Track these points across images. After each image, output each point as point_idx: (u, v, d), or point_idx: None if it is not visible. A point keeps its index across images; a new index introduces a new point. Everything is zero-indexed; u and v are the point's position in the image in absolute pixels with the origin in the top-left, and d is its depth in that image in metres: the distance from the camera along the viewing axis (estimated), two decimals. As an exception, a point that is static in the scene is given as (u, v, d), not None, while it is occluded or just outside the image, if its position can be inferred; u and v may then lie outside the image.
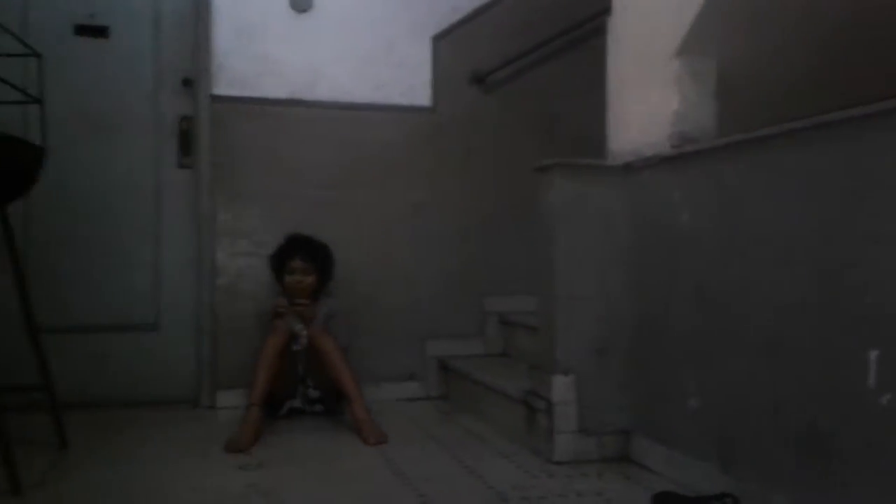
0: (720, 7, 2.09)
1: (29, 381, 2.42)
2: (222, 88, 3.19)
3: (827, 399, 1.62)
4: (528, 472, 2.21)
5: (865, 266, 1.53)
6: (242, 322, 3.11)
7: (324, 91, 3.29)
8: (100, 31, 3.16)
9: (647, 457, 2.24)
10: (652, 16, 2.28)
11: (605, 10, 2.53)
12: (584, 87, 2.95)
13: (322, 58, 3.28)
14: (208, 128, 3.16)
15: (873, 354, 1.51)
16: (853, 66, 2.26)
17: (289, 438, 2.61)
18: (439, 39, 3.40)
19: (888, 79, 2.19)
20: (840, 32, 2.22)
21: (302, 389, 2.92)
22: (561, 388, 2.30)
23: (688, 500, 1.86)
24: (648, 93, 2.30)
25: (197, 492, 2.02)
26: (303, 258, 2.95)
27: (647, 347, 2.28)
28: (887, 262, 1.47)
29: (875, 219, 1.51)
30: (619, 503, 1.94)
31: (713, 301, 1.99)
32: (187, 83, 3.22)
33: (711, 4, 2.08)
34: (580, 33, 3.11)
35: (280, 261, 2.99)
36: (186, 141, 3.22)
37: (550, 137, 3.40)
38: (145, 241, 3.17)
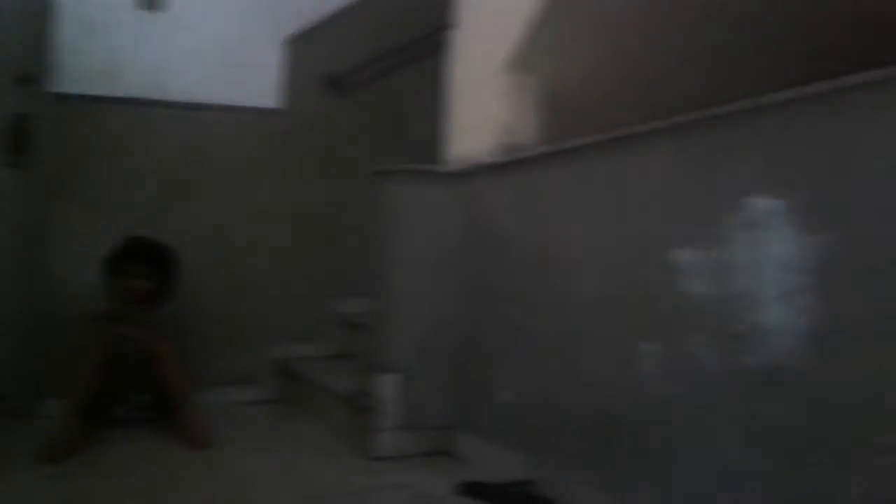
0: (547, 28, 2.22)
1: None
2: (65, 86, 3.06)
3: (612, 389, 1.74)
4: (350, 469, 2.24)
5: (648, 271, 1.66)
6: (70, 328, 2.96)
7: (172, 91, 3.21)
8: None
9: (467, 450, 2.32)
10: (487, 33, 2.40)
11: (450, 25, 2.63)
12: (435, 95, 3.03)
13: (170, 57, 3.22)
14: (45, 126, 3.02)
15: (648, 347, 1.64)
16: (667, 80, 2.44)
17: (111, 447, 2.50)
18: (292, 43, 3.42)
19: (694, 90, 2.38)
20: (656, 48, 2.39)
21: (129, 396, 2.82)
22: (387, 386, 2.35)
23: (488, 487, 1.94)
24: (480, 104, 2.41)
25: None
26: (139, 261, 2.84)
27: (470, 346, 2.37)
28: (663, 266, 1.61)
29: (653, 225, 1.65)
30: (428, 492, 2.01)
31: (528, 300, 2.10)
32: (26, 80, 3.06)
33: (539, 25, 2.21)
34: (431, 44, 3.21)
35: (115, 264, 2.87)
36: (19, 139, 3.06)
37: (401, 143, 3.47)
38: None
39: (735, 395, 1.42)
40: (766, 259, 1.38)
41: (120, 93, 3.14)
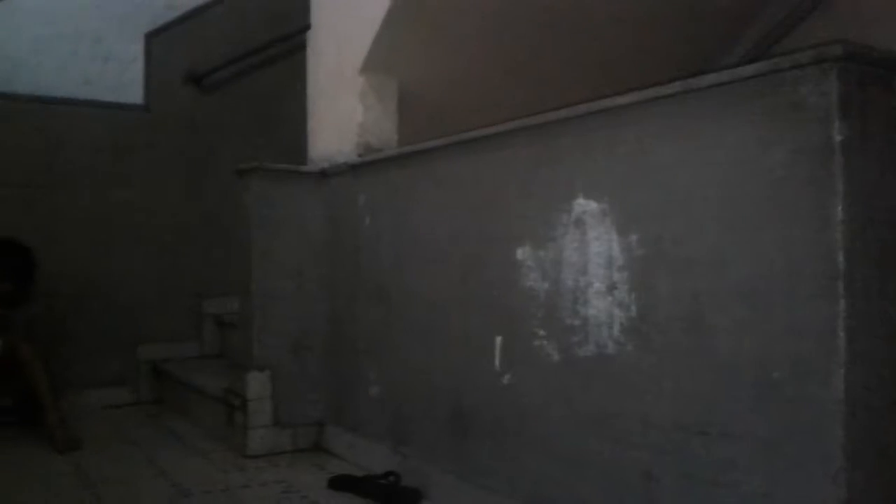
0: (397, 31, 2.28)
1: None
2: None
3: (468, 382, 1.85)
4: (220, 467, 2.27)
5: (490, 266, 1.78)
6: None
7: (23, 84, 3.10)
8: None
9: (338, 445, 2.39)
10: (340, 35, 2.45)
11: (307, 27, 2.66)
12: (301, 94, 3.05)
13: (21, 48, 3.10)
14: None
15: (498, 340, 1.76)
16: (527, 81, 2.58)
17: (-31, 452, 2.45)
18: (153, 36, 3.35)
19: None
20: (511, 55, 2.52)
21: (-9, 399, 2.74)
22: (256, 384, 2.38)
23: (357, 480, 2.03)
24: (339, 104, 2.46)
25: None
26: None
27: (338, 342, 2.44)
28: (504, 263, 1.73)
29: (496, 224, 1.77)
30: (299, 488, 2.06)
31: (388, 297, 2.18)
32: None
33: (389, 28, 2.27)
34: (294, 43, 3.22)
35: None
36: None
37: (269, 141, 3.48)
38: None
39: (573, 384, 1.56)
40: (591, 256, 1.51)
41: (-36, 85, 3.00)
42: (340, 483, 2.04)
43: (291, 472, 2.23)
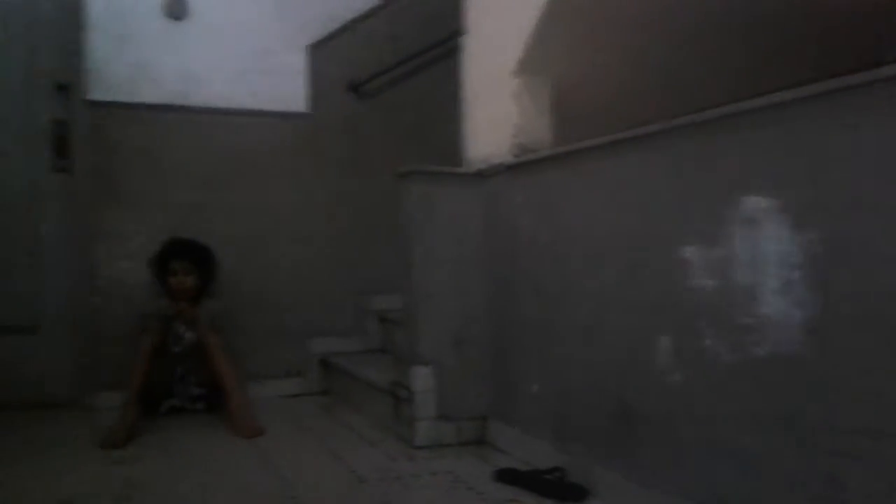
0: (553, 30, 2.31)
1: None
2: (98, 94, 3.24)
3: (632, 381, 1.86)
4: (390, 456, 2.40)
5: (656, 265, 1.78)
6: (121, 323, 3.17)
7: (199, 97, 3.38)
8: (-32, 38, 3.16)
9: (500, 439, 2.46)
10: (496, 37, 2.49)
11: (461, 30, 2.73)
12: (453, 98, 3.14)
13: (198, 64, 3.37)
14: (84, 132, 3.20)
15: (664, 339, 1.76)
16: (675, 82, 2.53)
17: (167, 435, 2.71)
18: (315, 48, 3.54)
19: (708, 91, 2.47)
20: (664, 49, 2.48)
21: (181, 388, 3.02)
22: (421, 377, 2.49)
23: (523, 474, 2.08)
24: (494, 107, 2.51)
25: (73, 486, 2.11)
26: (183, 259, 3.05)
27: (499, 338, 2.50)
28: (672, 261, 1.72)
29: (661, 223, 1.76)
30: (466, 479, 2.14)
31: (546, 295, 2.22)
32: (62, 88, 3.24)
33: (545, 28, 2.29)
34: (447, 48, 3.31)
35: (161, 263, 3.08)
36: (62, 145, 3.25)
37: (424, 144, 3.59)
38: (23, 246, 3.18)
39: (746, 384, 1.53)
40: (764, 254, 1.48)
41: (152, 99, 3.30)
42: (506, 476, 2.10)
43: (458, 463, 2.31)
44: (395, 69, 3.55)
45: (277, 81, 3.48)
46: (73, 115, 3.21)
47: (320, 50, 3.54)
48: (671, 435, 1.73)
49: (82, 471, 2.26)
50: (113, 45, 3.25)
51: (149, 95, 3.31)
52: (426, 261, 2.53)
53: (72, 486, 2.09)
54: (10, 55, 3.20)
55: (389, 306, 3.54)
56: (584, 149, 2.01)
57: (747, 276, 1.53)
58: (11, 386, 3.13)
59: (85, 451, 2.49)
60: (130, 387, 2.77)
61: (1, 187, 3.18)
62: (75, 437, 2.68)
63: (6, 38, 3.20)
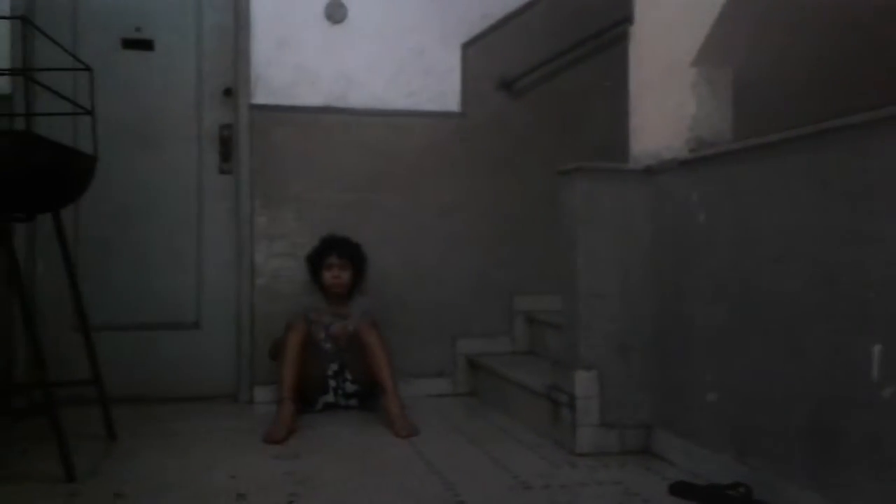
0: (736, 17, 2.16)
1: (81, 377, 2.59)
2: (261, 97, 3.34)
3: (835, 392, 1.69)
4: (551, 462, 2.32)
5: (868, 265, 1.61)
6: (279, 320, 3.23)
7: (356, 98, 3.42)
8: (146, 45, 3.33)
9: (668, 449, 2.33)
10: (671, 25, 2.37)
11: (627, 19, 2.62)
12: (609, 93, 3.03)
13: (355, 66, 3.42)
14: (247, 135, 3.31)
15: (877, 349, 1.59)
16: (864, 70, 2.33)
17: (323, 431, 2.74)
18: (468, 46, 3.52)
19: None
20: (849, 37, 2.28)
21: (336, 384, 3.05)
22: (583, 382, 2.39)
23: (702, 489, 1.95)
24: (667, 99, 2.38)
25: (236, 479, 2.16)
26: (339, 254, 3.11)
27: (667, 343, 2.37)
28: (888, 261, 1.55)
29: (876, 220, 1.59)
30: (637, 491, 2.03)
31: (727, 299, 2.07)
32: (228, 93, 3.38)
33: (728, 15, 2.15)
34: (604, 40, 3.20)
35: (317, 259, 3.15)
36: (227, 148, 3.37)
37: (577, 141, 3.49)
38: (189, 244, 3.34)
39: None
40: None
41: (310, 102, 3.37)
42: (683, 489, 1.97)
43: (624, 473, 2.20)
44: (547, 65, 3.47)
45: (432, 81, 3.47)
46: (238, 119, 3.32)
47: (474, 48, 3.51)
48: (882, 455, 1.56)
49: (248, 465, 2.30)
50: (275, 49, 3.34)
51: (308, 98, 3.38)
52: (589, 261, 2.43)
53: (243, 481, 2.13)
54: (183, 61, 3.36)
55: (538, 307, 3.47)
56: (779, 141, 1.86)
57: None
58: (173, 379, 3.27)
59: (247, 444, 2.54)
60: (281, 383, 2.82)
61: (171, 189, 3.34)
62: (236, 430, 2.75)
63: (179, 45, 3.36)
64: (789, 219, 1.84)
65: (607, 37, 3.14)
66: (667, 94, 2.38)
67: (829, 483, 1.70)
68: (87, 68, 2.59)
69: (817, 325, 1.74)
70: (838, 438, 1.68)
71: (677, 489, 1.98)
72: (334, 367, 3.05)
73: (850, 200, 1.66)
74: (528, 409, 2.79)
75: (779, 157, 1.89)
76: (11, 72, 2.94)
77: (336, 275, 3.10)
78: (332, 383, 3.06)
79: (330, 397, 3.06)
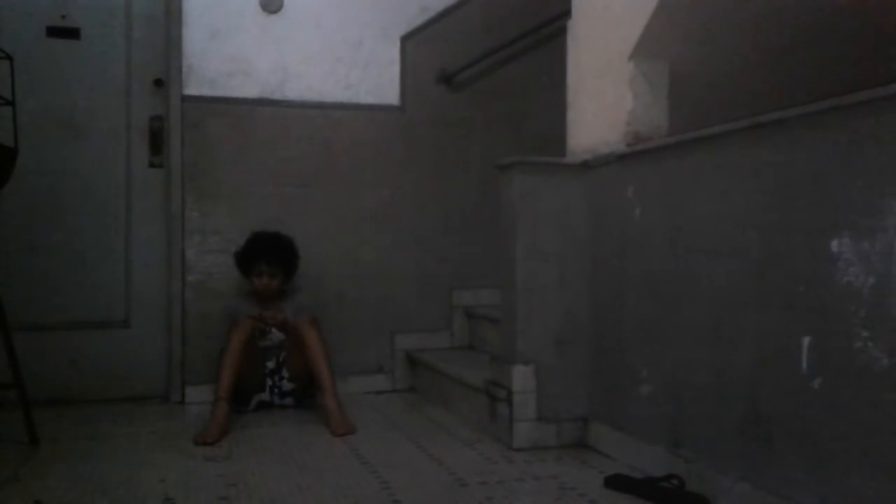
0: (672, 13, 2.17)
1: (1, 380, 2.46)
2: (193, 89, 3.24)
3: (764, 383, 1.72)
4: (488, 458, 2.30)
5: (797, 258, 1.63)
6: (211, 319, 3.16)
7: (293, 90, 3.35)
8: (71, 33, 3.20)
9: (604, 442, 2.33)
10: (608, 20, 2.37)
11: (566, 13, 2.62)
12: (549, 86, 3.03)
13: (292, 58, 3.35)
14: (179, 127, 3.20)
15: (806, 341, 1.61)
16: (802, 67, 2.37)
17: (258, 431, 2.67)
18: (408, 39, 3.48)
19: (838, 77, 2.29)
20: (791, 35, 2.32)
21: (272, 383, 2.98)
22: (521, 377, 2.38)
23: (637, 481, 1.95)
24: (604, 93, 2.39)
25: (165, 482, 2.08)
26: (268, 262, 3.01)
27: (604, 337, 2.38)
28: (816, 254, 1.57)
29: (804, 213, 1.61)
30: (574, 486, 2.03)
31: (661, 292, 2.08)
32: (158, 83, 3.27)
33: (663, 10, 2.16)
34: (544, 34, 3.21)
35: (246, 262, 3.05)
36: (157, 140, 3.26)
37: (517, 135, 3.49)
38: (117, 240, 3.21)
39: (905, 392, 1.38)
40: (936, 251, 1.33)
41: (246, 93, 3.29)
42: (618, 483, 1.98)
43: (561, 467, 2.20)
44: (487, 58, 3.46)
45: (370, 74, 3.42)
46: (169, 111, 3.22)
47: (413, 41, 3.47)
48: (814, 446, 1.58)
49: (178, 468, 2.23)
50: (208, 39, 3.24)
51: (243, 89, 3.29)
52: (527, 255, 2.42)
53: (172, 485, 2.06)
54: (111, 50, 3.23)
55: (477, 301, 3.46)
56: (714, 135, 1.87)
57: (911, 271, 1.38)
58: (101, 379, 3.15)
59: (178, 447, 2.46)
60: (220, 383, 2.72)
61: (98, 182, 3.20)
62: (167, 432, 2.66)
63: (107, 34, 3.23)
64: (721, 212, 1.86)
65: (547, 31, 3.15)
66: (604, 89, 2.38)
67: (761, 473, 1.72)
68: (8, 57, 2.47)
69: (748, 318, 1.76)
70: (770, 429, 1.70)
71: (612, 482, 1.99)
72: (271, 364, 2.98)
73: (779, 194, 1.68)
74: (467, 404, 2.77)
75: (711, 151, 1.91)
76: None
77: (266, 283, 3.01)
78: (269, 381, 2.99)
79: (266, 396, 2.99)
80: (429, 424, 2.77)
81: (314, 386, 2.86)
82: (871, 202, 1.45)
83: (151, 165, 3.27)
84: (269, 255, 3.02)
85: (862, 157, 1.48)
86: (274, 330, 2.99)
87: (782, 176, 1.68)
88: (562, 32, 2.65)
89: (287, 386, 2.99)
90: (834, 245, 1.53)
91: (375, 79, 3.44)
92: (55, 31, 3.18)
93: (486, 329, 3.28)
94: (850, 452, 1.49)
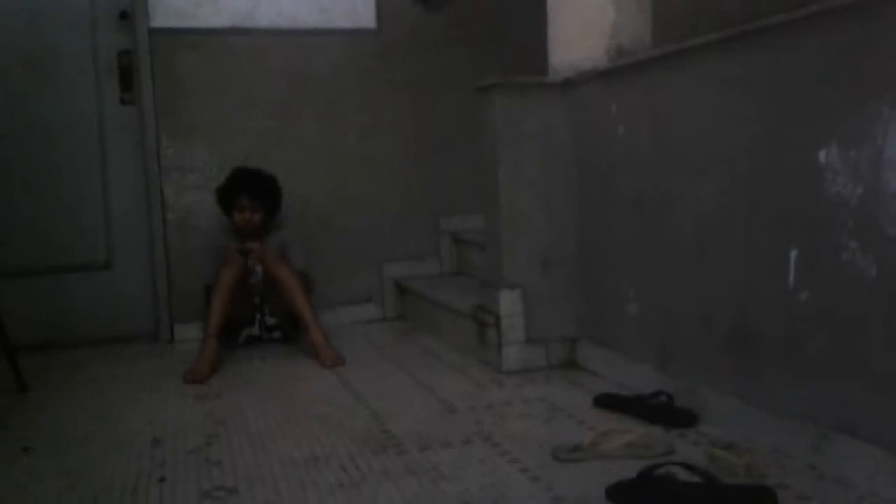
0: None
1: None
2: (160, 20, 3.12)
3: (752, 299, 1.70)
4: (478, 383, 2.30)
5: (786, 170, 1.59)
6: (195, 256, 3.11)
7: (265, 17, 3.23)
8: (29, -36, 3.05)
9: (592, 362, 2.34)
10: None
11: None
12: (530, 3, 2.91)
13: (262, -18, 3.21)
14: (148, 62, 3.09)
15: (793, 254, 1.58)
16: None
17: (247, 367, 2.67)
18: (381, -42, 3.34)
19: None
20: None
21: (259, 318, 2.97)
22: (508, 301, 2.37)
23: (626, 399, 1.96)
24: (586, 7, 2.30)
25: (153, 423, 2.07)
26: (250, 196, 2.94)
27: (590, 258, 2.35)
28: (804, 166, 1.53)
29: (791, 124, 1.56)
30: (563, 406, 2.03)
31: (648, 210, 2.05)
32: (124, 16, 3.13)
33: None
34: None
35: (227, 197, 2.99)
36: (127, 76, 3.15)
37: (499, 54, 3.38)
38: (92, 180, 3.14)
39: (893, 301, 1.36)
40: (926, 156, 1.29)
41: (216, 23, 3.17)
42: (606, 401, 1.98)
43: (550, 389, 2.21)
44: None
45: (344, -4, 3.29)
46: (137, 44, 3.10)
47: (386, -41, 3.33)
48: (800, 358, 1.58)
49: (167, 407, 2.22)
50: (176, -32, 3.10)
51: (212, 19, 3.17)
52: (511, 179, 2.37)
53: (160, 425, 2.05)
54: (71, -19, 3.09)
55: (464, 227, 3.43)
56: (699, 46, 1.80)
57: (900, 179, 1.34)
58: (88, 322, 3.13)
59: (167, 386, 2.45)
60: (210, 321, 2.69)
61: (68, 121, 3.10)
62: (156, 371, 2.65)
63: (66, -37, 3.08)
64: (706, 127, 1.81)
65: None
66: (585, 2, 2.29)
67: (748, 387, 1.72)
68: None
69: (736, 234, 1.73)
70: (757, 344, 1.69)
71: (601, 401, 1.99)
72: (256, 299, 2.96)
73: (766, 105, 1.63)
74: (456, 330, 2.77)
75: (695, 64, 1.84)
76: None
77: (248, 217, 2.94)
78: (257, 316, 2.97)
79: (255, 330, 2.98)
80: (419, 352, 2.77)
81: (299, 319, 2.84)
82: (858, 110, 1.40)
83: (123, 102, 3.16)
84: (250, 188, 2.95)
85: (848, 63, 1.43)
86: (258, 267, 2.94)
87: (769, 86, 1.62)
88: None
89: (270, 321, 2.97)
90: (822, 155, 1.49)
91: (350, 2, 3.31)
92: (12, -36, 3.03)
93: (474, 255, 3.25)
94: (837, 362, 1.49)
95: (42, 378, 2.56)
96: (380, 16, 3.35)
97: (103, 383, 2.53)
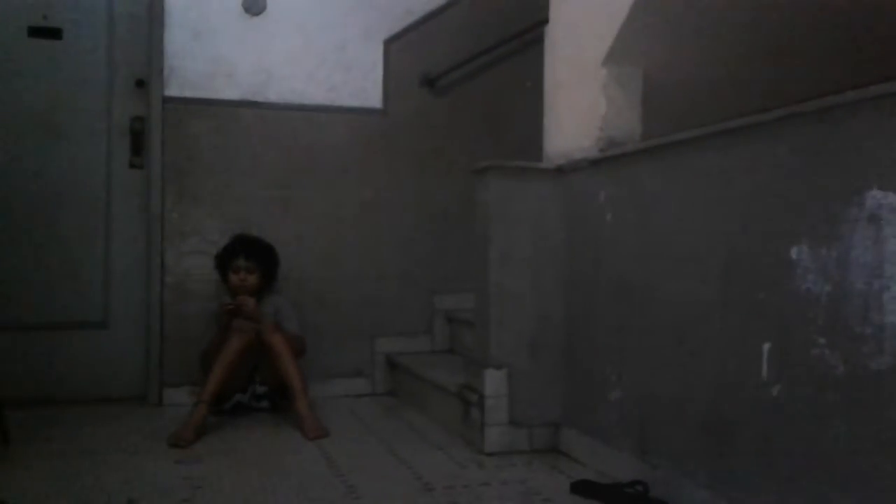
0: (645, 17, 2.18)
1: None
2: (175, 90, 3.23)
3: (728, 390, 1.71)
4: (459, 463, 2.29)
5: (760, 264, 1.63)
6: (190, 321, 3.15)
7: (276, 93, 3.35)
8: (53, 33, 3.19)
9: (575, 448, 2.33)
10: (582, 26, 2.37)
11: (544, 20, 2.62)
12: (531, 91, 3.02)
13: (274, 60, 3.34)
14: (160, 128, 3.20)
15: (766, 347, 1.60)
16: (772, 73, 2.37)
17: (232, 434, 2.66)
18: (391, 42, 3.47)
19: (806, 82, 2.29)
20: (760, 40, 2.32)
21: (251, 385, 2.97)
22: (493, 381, 2.38)
23: (602, 487, 1.95)
24: (579, 99, 2.39)
25: (130, 484, 2.07)
26: (246, 257, 3.00)
27: (575, 342, 2.37)
28: (778, 261, 1.57)
29: (766, 220, 1.61)
30: (539, 491, 2.02)
31: (631, 298, 2.08)
32: (140, 84, 3.26)
33: (637, 15, 2.17)
34: (526, 39, 3.20)
35: (224, 260, 3.05)
36: (138, 141, 3.26)
37: (498, 139, 3.49)
38: (96, 241, 3.20)
39: (862, 398, 1.38)
40: (889, 256, 1.33)
41: (228, 95, 3.28)
42: (584, 489, 1.97)
43: (530, 472, 2.19)
44: (470, 63, 3.46)
45: (353, 76, 3.42)
46: (151, 111, 3.21)
47: (397, 44, 3.47)
48: (772, 451, 1.58)
49: (147, 469, 2.22)
50: (190, 40, 3.24)
51: (225, 91, 3.29)
52: (502, 260, 2.42)
53: (137, 486, 2.05)
54: (93, 50, 3.22)
55: (458, 306, 3.45)
56: (681, 141, 1.87)
57: (866, 280, 1.37)
58: (78, 380, 3.14)
59: (150, 448, 2.45)
60: (206, 387, 2.68)
61: (78, 182, 3.19)
62: (141, 433, 2.65)
63: (89, 34, 3.22)
64: (687, 218, 1.86)
65: (529, 36, 3.14)
66: (579, 95, 2.39)
67: (721, 479, 1.72)
68: (-15, 55, 2.47)
69: (712, 325, 1.76)
70: (731, 436, 1.70)
71: (578, 488, 1.98)
72: (252, 369, 2.97)
73: (743, 200, 1.68)
74: (442, 408, 2.77)
75: (678, 157, 1.91)
76: None
77: (243, 278, 2.99)
78: (248, 385, 2.98)
79: (245, 398, 2.98)
80: (403, 428, 2.76)
81: (289, 390, 2.84)
82: (827, 210, 1.45)
83: (132, 166, 3.26)
84: (246, 250, 3.02)
85: (818, 164, 1.48)
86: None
87: (747, 182, 1.67)
88: (543, 38, 2.65)
89: (260, 389, 2.98)
90: (794, 252, 1.53)
91: (359, 82, 3.43)
92: (36, 31, 3.17)
93: (466, 334, 3.27)
94: (805, 458, 1.49)
95: (26, 434, 2.56)
96: (387, 96, 3.46)
97: (87, 441, 2.53)
